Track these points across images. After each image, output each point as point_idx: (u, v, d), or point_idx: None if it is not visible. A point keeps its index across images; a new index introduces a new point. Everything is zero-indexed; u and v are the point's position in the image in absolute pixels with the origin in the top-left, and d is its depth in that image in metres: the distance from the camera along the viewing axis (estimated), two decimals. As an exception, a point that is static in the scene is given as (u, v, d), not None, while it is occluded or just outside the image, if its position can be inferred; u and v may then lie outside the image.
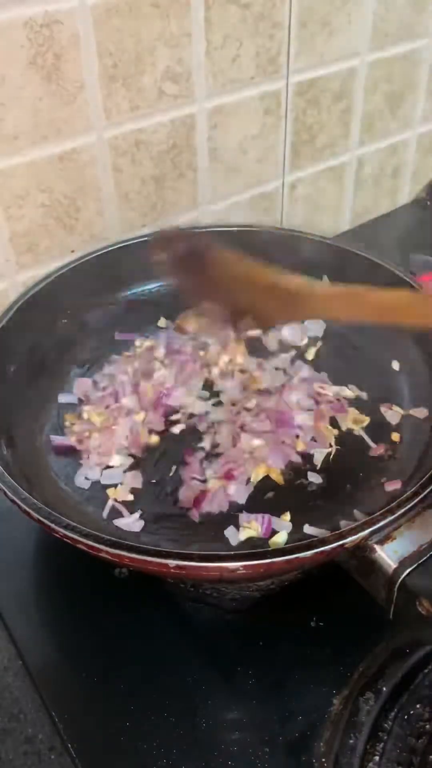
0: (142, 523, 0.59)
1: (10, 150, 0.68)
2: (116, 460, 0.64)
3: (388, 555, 0.47)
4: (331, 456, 0.65)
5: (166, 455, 0.66)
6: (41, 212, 0.73)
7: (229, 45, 0.76)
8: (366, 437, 0.66)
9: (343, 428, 0.67)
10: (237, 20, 0.75)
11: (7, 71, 0.64)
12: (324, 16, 0.82)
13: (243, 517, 0.59)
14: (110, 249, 0.78)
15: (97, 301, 0.80)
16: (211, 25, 0.74)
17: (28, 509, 0.51)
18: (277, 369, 0.73)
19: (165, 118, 0.77)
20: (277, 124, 0.86)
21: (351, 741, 0.48)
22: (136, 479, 0.63)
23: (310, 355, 0.76)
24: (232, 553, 0.50)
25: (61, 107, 0.69)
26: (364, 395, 0.70)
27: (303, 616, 0.56)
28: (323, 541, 0.47)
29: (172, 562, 0.46)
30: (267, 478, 0.63)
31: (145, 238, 0.80)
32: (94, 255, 0.77)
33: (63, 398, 0.70)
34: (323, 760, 0.47)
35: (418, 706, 0.50)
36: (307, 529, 0.57)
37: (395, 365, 0.72)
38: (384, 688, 0.50)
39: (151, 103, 0.75)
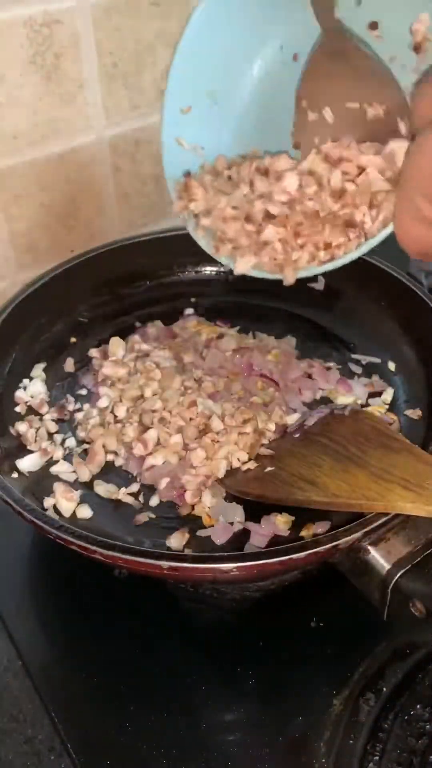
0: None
1: (10, 150, 0.68)
2: None
3: (382, 556, 0.47)
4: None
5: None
6: (41, 212, 0.73)
7: (229, 44, 0.76)
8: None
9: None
10: (237, 19, 0.75)
11: (7, 71, 0.64)
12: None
13: None
14: (110, 248, 0.78)
15: (96, 301, 0.80)
16: (211, 24, 0.74)
17: (21, 510, 0.51)
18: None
19: (165, 117, 0.77)
20: (277, 123, 0.86)
21: (351, 741, 0.48)
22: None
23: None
24: (225, 554, 0.50)
25: (61, 107, 0.68)
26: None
27: (303, 616, 0.56)
28: (316, 542, 0.47)
29: (165, 563, 0.47)
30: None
31: (145, 238, 0.80)
32: (93, 254, 0.77)
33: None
34: (323, 760, 0.47)
35: (418, 706, 0.50)
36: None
37: (391, 366, 0.72)
38: (384, 689, 0.50)
39: (151, 103, 0.75)
